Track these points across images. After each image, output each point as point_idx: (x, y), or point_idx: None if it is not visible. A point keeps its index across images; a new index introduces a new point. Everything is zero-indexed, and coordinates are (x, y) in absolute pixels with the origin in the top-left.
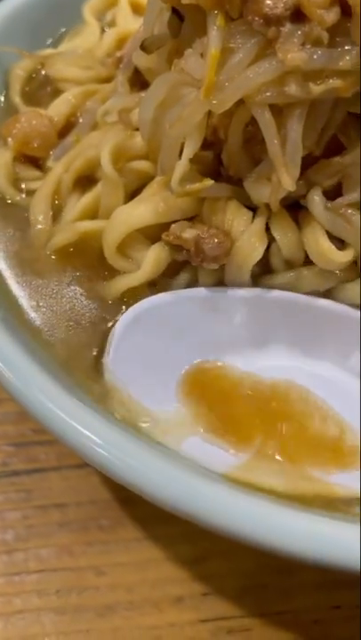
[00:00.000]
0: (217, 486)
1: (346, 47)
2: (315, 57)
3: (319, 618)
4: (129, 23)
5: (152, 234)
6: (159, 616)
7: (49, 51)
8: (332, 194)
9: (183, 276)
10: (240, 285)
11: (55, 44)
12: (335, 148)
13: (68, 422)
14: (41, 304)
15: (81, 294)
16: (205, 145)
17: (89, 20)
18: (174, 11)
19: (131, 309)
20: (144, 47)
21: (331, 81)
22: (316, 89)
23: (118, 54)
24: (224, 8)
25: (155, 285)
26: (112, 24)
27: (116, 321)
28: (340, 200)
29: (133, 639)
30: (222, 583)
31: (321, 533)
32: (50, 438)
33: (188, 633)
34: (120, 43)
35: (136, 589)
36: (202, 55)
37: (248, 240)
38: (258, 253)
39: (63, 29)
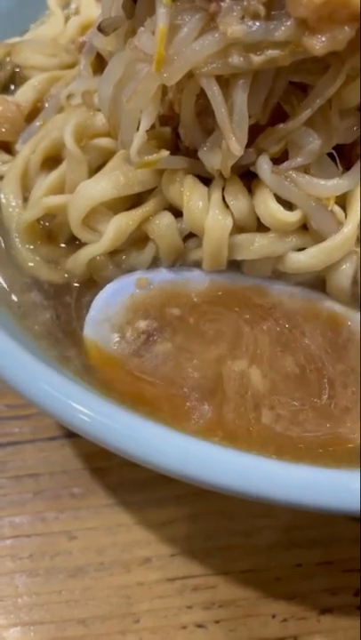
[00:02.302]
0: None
1: (283, 19)
2: (253, 29)
3: (281, 575)
4: (92, 11)
5: (115, 206)
6: (128, 576)
7: (16, 39)
8: (281, 161)
9: (149, 250)
10: (220, 263)
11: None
12: (281, 116)
13: (54, 394)
14: (16, 287)
15: (52, 274)
16: (163, 121)
17: (53, 9)
18: None
19: (108, 285)
20: (101, 29)
21: (269, 51)
22: (257, 59)
23: (81, 40)
24: None
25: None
26: (77, 13)
27: (84, 297)
28: (285, 164)
29: (103, 598)
30: (189, 545)
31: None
32: (24, 413)
33: (156, 591)
34: (83, 30)
35: (106, 552)
36: (153, 33)
37: (214, 216)
38: (228, 223)
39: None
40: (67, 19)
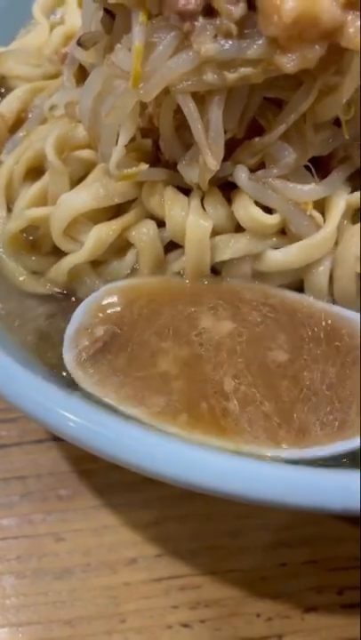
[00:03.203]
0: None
1: (255, 38)
2: (226, 48)
3: (266, 575)
4: (76, 20)
5: (96, 217)
6: (114, 577)
7: (1, 49)
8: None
9: (129, 258)
10: (203, 269)
11: None
12: (258, 130)
13: (41, 401)
14: (3, 296)
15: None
16: (144, 133)
17: (38, 19)
18: (106, 9)
19: (84, 302)
20: (81, 43)
21: (242, 69)
22: (231, 77)
23: (64, 51)
24: (145, 6)
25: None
26: (62, 21)
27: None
28: (260, 172)
29: (90, 599)
30: (175, 545)
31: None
32: (11, 416)
33: (142, 592)
34: (67, 40)
35: (93, 553)
36: (129, 50)
37: (195, 221)
38: (208, 226)
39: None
40: (52, 27)
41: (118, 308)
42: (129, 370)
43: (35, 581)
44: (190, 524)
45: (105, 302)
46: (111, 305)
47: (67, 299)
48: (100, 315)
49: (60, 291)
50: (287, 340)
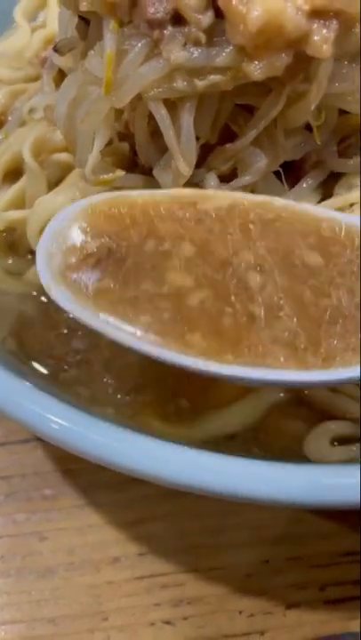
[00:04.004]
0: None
1: (223, 46)
2: (194, 55)
3: (249, 572)
4: (57, 24)
5: None
6: (97, 575)
7: None
8: (231, 178)
9: None
10: None
11: None
12: (231, 137)
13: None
14: None
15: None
16: (121, 137)
17: (19, 22)
18: (80, 16)
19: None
20: (57, 49)
21: (212, 76)
22: (201, 84)
23: (43, 54)
24: (116, 14)
25: None
26: (44, 25)
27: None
28: (233, 183)
29: (73, 597)
30: (158, 544)
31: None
32: None
33: (125, 590)
34: (47, 43)
35: (76, 552)
36: (102, 57)
37: None
38: None
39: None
40: (34, 31)
41: (109, 220)
42: (127, 289)
43: (18, 580)
44: (173, 522)
45: (91, 214)
46: (99, 216)
47: (45, 300)
48: (89, 228)
49: (37, 293)
50: (310, 237)
